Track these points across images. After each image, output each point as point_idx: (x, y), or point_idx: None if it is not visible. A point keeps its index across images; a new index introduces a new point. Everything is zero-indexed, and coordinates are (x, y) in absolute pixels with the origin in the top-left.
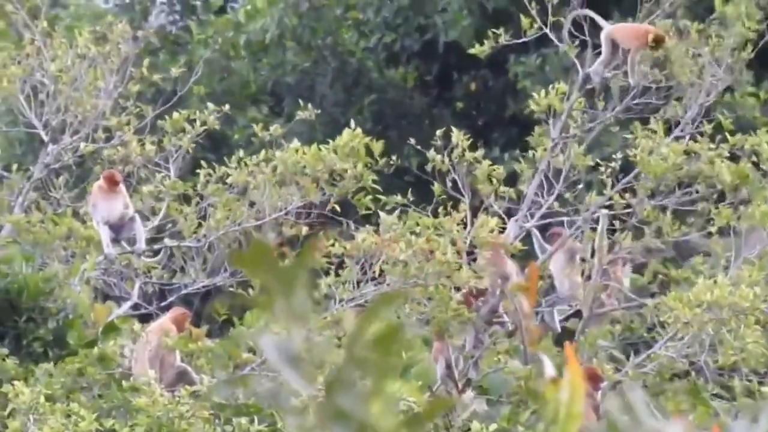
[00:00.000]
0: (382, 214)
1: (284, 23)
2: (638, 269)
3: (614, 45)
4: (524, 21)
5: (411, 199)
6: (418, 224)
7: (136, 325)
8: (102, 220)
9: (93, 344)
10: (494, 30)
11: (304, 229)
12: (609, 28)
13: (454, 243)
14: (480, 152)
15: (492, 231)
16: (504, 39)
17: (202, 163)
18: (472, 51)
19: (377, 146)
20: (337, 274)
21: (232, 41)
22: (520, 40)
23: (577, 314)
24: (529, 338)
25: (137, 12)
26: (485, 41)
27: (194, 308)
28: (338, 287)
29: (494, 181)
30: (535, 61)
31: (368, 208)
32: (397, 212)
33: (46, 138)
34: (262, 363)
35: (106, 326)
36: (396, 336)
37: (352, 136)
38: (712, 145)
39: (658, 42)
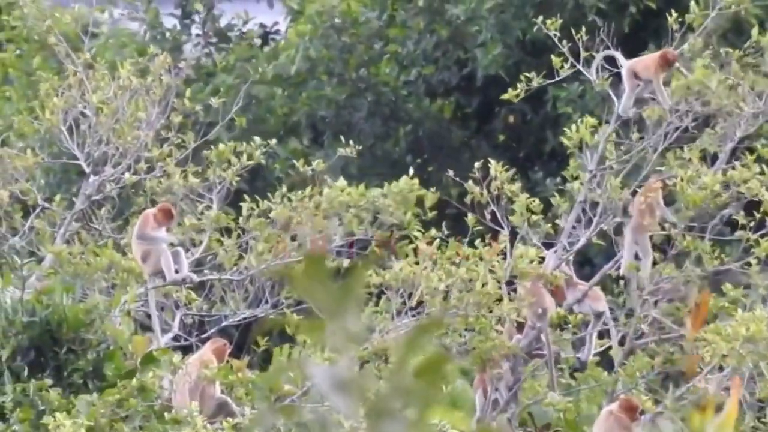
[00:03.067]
0: (420, 244)
1: (311, 56)
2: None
3: (637, 77)
4: (555, 60)
5: (446, 232)
6: (458, 254)
7: (176, 357)
8: (166, 250)
9: (132, 375)
10: (526, 75)
11: (345, 263)
12: (628, 64)
13: (493, 273)
14: (518, 185)
15: (531, 262)
16: (537, 81)
17: (245, 196)
18: (504, 96)
19: (432, 197)
20: (375, 305)
21: (263, 72)
22: (553, 81)
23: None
24: (688, 364)
25: (169, 41)
26: (518, 84)
27: (234, 340)
28: (377, 318)
29: (532, 213)
30: (576, 88)
31: (407, 255)
32: (436, 242)
33: (87, 169)
34: (303, 394)
35: (144, 358)
36: (439, 366)
37: (408, 184)
38: (749, 173)
39: (669, 61)
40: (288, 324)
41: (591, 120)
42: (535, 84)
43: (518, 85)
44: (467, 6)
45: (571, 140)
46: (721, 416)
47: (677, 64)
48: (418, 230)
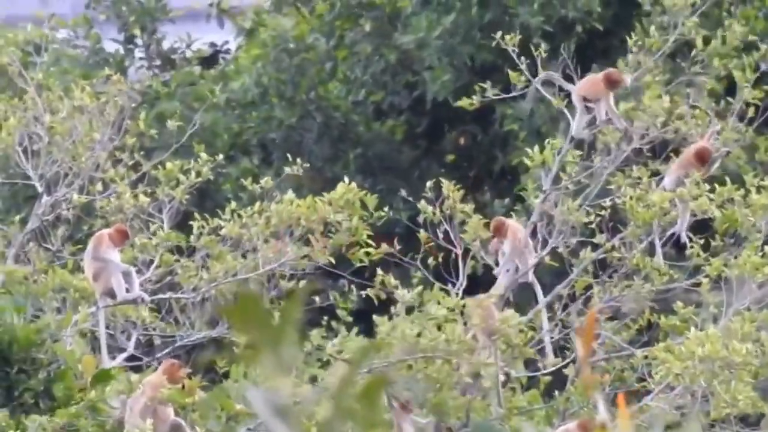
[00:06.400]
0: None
1: (262, 81)
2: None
3: (586, 100)
4: (512, 75)
5: (398, 247)
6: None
7: (129, 377)
8: (117, 269)
9: (83, 395)
10: (481, 84)
11: (301, 282)
12: (575, 88)
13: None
14: (470, 206)
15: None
16: (491, 93)
17: (195, 215)
18: (459, 103)
19: (371, 200)
20: (330, 327)
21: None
22: (509, 95)
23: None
24: (584, 383)
25: (113, 66)
26: (473, 96)
27: (191, 360)
28: (330, 340)
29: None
30: (524, 107)
31: (361, 261)
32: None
33: (40, 189)
34: (254, 415)
35: (95, 377)
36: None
37: (347, 189)
38: (699, 191)
39: (613, 81)
40: (227, 356)
41: (556, 143)
42: (489, 95)
43: (474, 97)
44: (415, 35)
45: (533, 161)
46: None
47: (624, 84)
48: (369, 235)
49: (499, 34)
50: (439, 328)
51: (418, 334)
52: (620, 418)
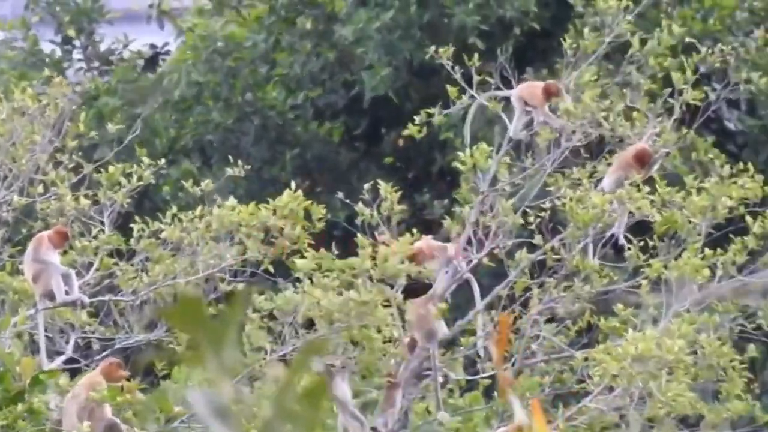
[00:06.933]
0: (298, 262)
1: (195, 81)
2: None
3: (526, 103)
4: (451, 90)
5: (337, 252)
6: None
7: (64, 379)
8: (57, 271)
9: (19, 398)
10: (427, 111)
11: (240, 286)
12: (515, 90)
13: (372, 280)
14: (404, 207)
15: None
16: (437, 116)
17: (135, 218)
18: (405, 133)
19: (318, 210)
20: (269, 328)
21: (153, 97)
22: (450, 110)
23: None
24: (500, 387)
25: (50, 67)
26: (416, 118)
27: (130, 363)
28: (269, 340)
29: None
30: (459, 113)
31: (301, 269)
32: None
33: None
34: (192, 416)
35: (32, 380)
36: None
37: (291, 197)
38: (638, 193)
39: (551, 93)
40: (169, 357)
41: (485, 147)
42: (436, 118)
43: (416, 118)
44: (355, 26)
45: (465, 164)
46: None
47: (562, 99)
48: (310, 243)
49: (432, 48)
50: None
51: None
52: (536, 422)
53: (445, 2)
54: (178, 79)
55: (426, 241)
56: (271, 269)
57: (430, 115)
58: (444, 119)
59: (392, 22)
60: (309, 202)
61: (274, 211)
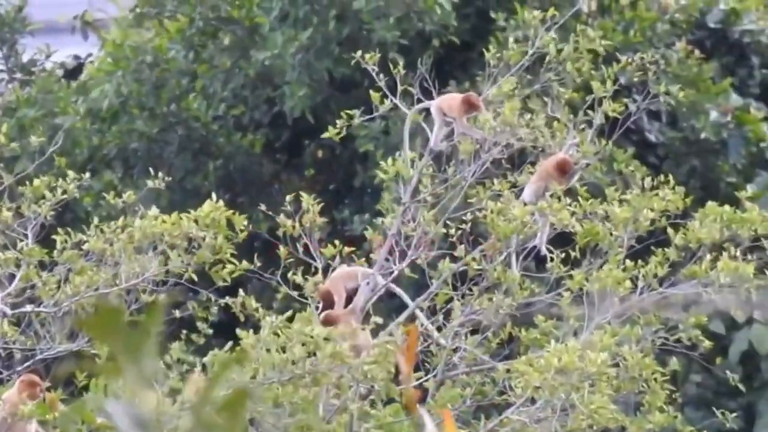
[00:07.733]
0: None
1: (122, 91)
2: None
3: (445, 114)
4: (374, 95)
5: (259, 264)
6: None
7: None
8: None
9: None
10: (347, 112)
11: (162, 296)
12: (435, 102)
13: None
14: (325, 220)
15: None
16: (357, 119)
17: (58, 229)
18: (325, 135)
19: (239, 219)
20: (190, 340)
21: (74, 107)
22: (372, 116)
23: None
24: (407, 400)
25: None
26: (338, 121)
27: (51, 373)
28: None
29: (344, 246)
30: (379, 125)
31: (225, 280)
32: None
33: None
34: (115, 428)
35: None
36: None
37: (213, 207)
38: (559, 204)
39: (471, 105)
40: (90, 368)
41: (409, 154)
42: (356, 121)
43: (338, 121)
44: (271, 50)
45: (387, 174)
46: None
47: (480, 113)
48: (232, 253)
49: (359, 53)
50: (303, 344)
51: (283, 350)
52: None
53: (364, 17)
54: (105, 90)
55: (332, 283)
56: (195, 278)
57: (350, 117)
58: (365, 131)
59: (310, 41)
60: (231, 212)
61: (196, 221)
